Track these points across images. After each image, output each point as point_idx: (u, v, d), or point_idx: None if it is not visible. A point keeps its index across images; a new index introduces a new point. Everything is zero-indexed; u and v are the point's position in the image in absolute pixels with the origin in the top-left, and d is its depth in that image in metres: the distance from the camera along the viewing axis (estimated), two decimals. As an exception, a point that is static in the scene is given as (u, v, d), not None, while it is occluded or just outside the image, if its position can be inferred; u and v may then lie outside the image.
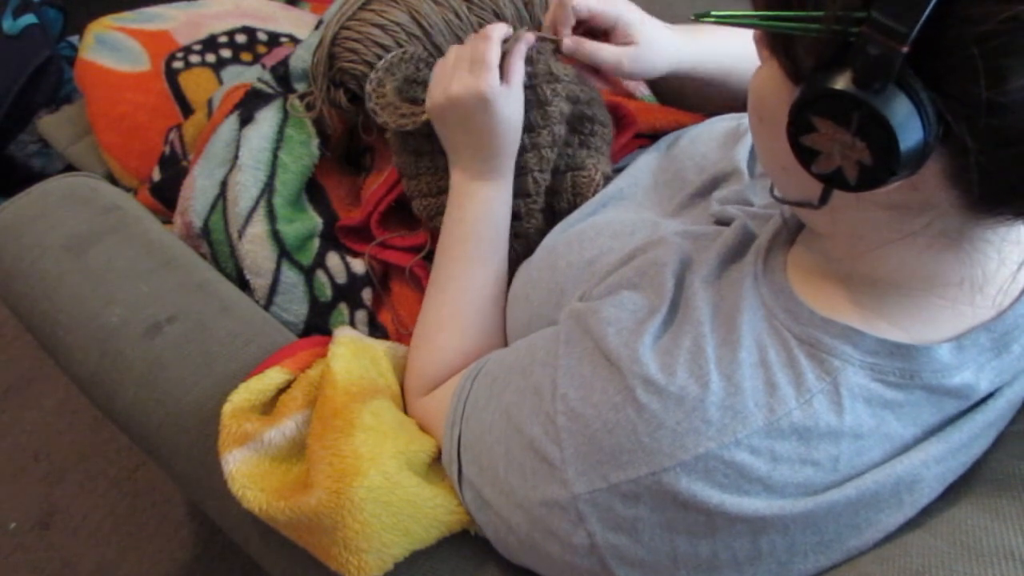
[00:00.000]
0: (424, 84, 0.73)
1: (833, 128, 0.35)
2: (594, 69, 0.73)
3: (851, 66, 0.33)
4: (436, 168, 0.73)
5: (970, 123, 0.33)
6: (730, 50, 0.74)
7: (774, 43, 0.39)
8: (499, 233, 0.68)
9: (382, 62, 0.74)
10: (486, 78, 0.63)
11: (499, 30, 0.66)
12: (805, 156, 0.38)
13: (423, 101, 0.70)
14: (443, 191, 0.72)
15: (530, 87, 0.68)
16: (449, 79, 0.65)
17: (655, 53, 0.69)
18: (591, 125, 0.73)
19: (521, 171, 0.69)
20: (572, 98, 0.70)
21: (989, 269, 0.42)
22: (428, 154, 0.73)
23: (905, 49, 0.31)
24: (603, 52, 0.68)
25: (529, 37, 0.67)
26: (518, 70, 0.66)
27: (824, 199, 0.40)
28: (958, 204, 0.37)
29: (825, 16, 0.34)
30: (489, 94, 0.63)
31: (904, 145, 0.34)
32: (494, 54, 0.64)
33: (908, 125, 0.33)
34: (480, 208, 0.67)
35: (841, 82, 0.34)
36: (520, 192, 0.69)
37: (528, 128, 0.68)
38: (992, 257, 0.42)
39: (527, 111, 0.68)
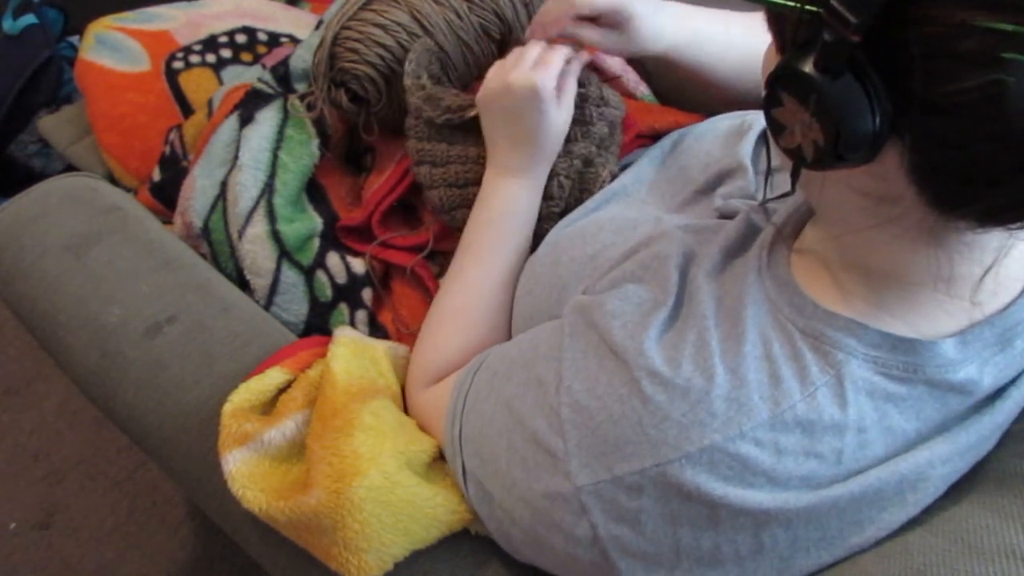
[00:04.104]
0: (436, 78, 0.75)
1: (796, 106, 0.37)
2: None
3: (815, 49, 0.35)
4: (467, 158, 0.74)
5: (912, 120, 0.34)
6: (719, 38, 0.74)
7: (769, 18, 0.40)
8: (520, 231, 0.69)
9: (412, 53, 0.75)
10: (545, 74, 0.65)
11: (565, 50, 0.68)
12: (775, 129, 0.40)
13: (452, 92, 0.73)
14: (469, 183, 0.73)
15: (579, 107, 0.71)
16: (508, 71, 0.67)
17: (646, 30, 0.70)
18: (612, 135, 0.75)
19: (552, 174, 0.71)
20: (612, 123, 0.73)
21: (974, 272, 0.42)
22: (461, 143, 0.74)
23: (856, 39, 0.32)
24: (585, 31, 0.69)
25: (585, 56, 0.70)
26: (571, 86, 0.68)
27: (794, 174, 0.42)
28: (920, 201, 0.38)
29: None
30: (543, 90, 0.65)
31: (848, 132, 0.35)
32: (559, 64, 0.67)
33: (855, 113, 0.34)
34: (505, 204, 0.68)
35: (806, 63, 0.35)
36: (545, 194, 0.71)
37: (567, 139, 0.71)
38: (972, 259, 0.42)
39: (571, 123, 0.70)
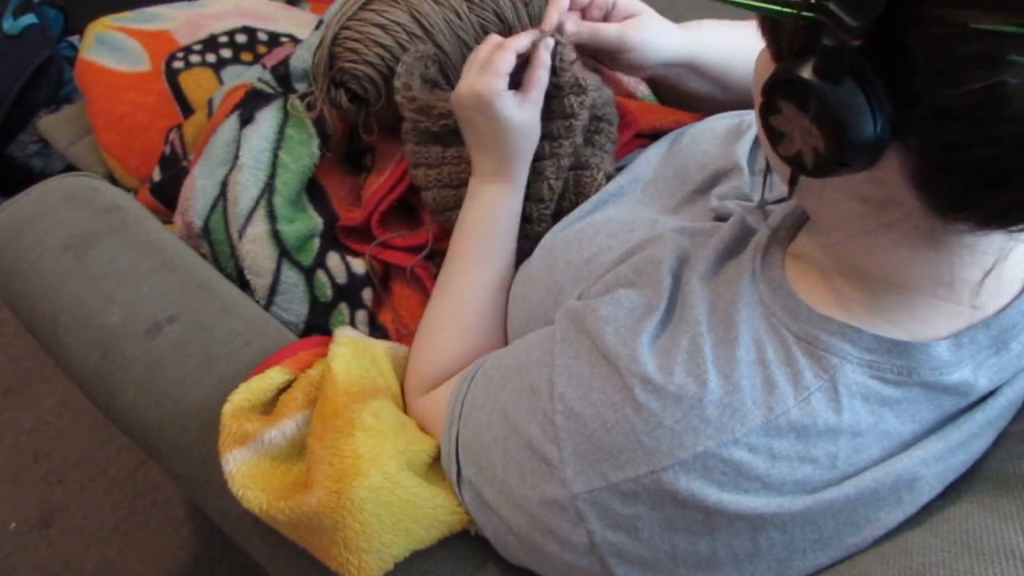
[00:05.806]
0: (433, 82, 0.74)
1: (795, 112, 0.36)
2: (595, 68, 0.72)
3: (814, 55, 0.34)
4: (461, 159, 0.73)
5: (915, 124, 0.34)
6: (729, 46, 0.74)
7: (763, 25, 0.40)
8: (502, 236, 0.68)
9: (401, 66, 0.73)
10: (486, 79, 0.64)
11: (520, 43, 0.66)
12: (773, 137, 0.39)
13: (444, 96, 0.71)
14: (462, 183, 0.72)
15: (557, 98, 0.68)
16: (463, 78, 0.66)
17: (653, 39, 0.70)
18: (598, 123, 0.73)
19: (538, 176, 0.69)
20: (591, 106, 0.70)
21: (974, 275, 0.42)
22: (456, 144, 0.73)
23: (856, 43, 0.32)
24: (605, 30, 0.68)
25: (549, 42, 0.67)
26: (539, 79, 0.66)
27: (792, 181, 0.42)
28: (921, 205, 0.37)
29: (794, 2, 0.34)
30: (486, 95, 0.63)
31: (851, 137, 0.34)
32: (504, 62, 0.64)
33: (857, 118, 0.34)
34: (484, 210, 0.68)
35: (805, 70, 0.35)
36: (534, 197, 0.70)
37: (550, 137, 0.69)
38: (973, 262, 0.41)
39: (550, 119, 0.68)
